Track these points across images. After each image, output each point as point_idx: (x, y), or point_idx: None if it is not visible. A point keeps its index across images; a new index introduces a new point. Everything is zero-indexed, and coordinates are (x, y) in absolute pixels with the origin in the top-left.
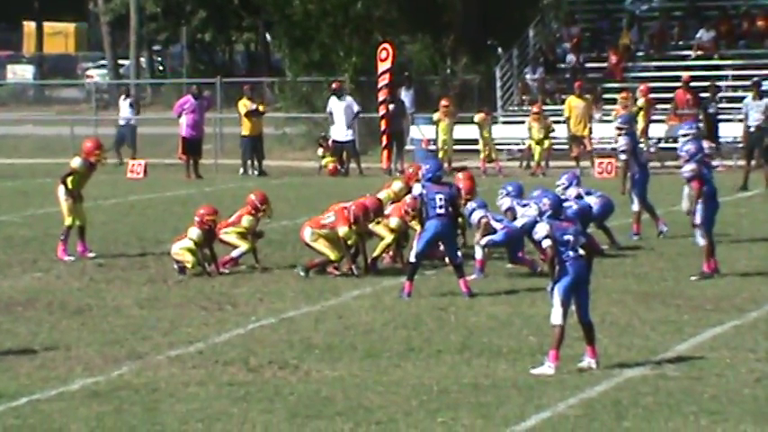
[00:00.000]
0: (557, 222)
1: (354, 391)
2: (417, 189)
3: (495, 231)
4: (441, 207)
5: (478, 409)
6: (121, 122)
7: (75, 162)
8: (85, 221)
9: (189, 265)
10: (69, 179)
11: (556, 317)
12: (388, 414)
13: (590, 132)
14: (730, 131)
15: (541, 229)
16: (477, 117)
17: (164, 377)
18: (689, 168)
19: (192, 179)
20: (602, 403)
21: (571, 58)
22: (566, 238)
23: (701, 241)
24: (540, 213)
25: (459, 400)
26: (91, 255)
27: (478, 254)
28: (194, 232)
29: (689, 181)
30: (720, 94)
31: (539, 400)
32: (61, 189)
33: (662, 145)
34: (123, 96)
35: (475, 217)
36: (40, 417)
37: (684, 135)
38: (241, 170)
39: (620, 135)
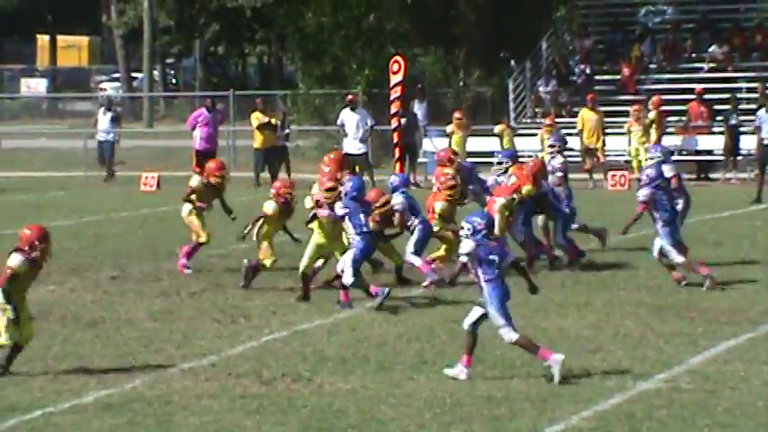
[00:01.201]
0: (485, 242)
1: (367, 403)
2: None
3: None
4: (365, 225)
5: (492, 422)
6: (100, 137)
7: (194, 181)
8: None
9: (267, 263)
10: (193, 197)
11: (509, 335)
12: (402, 427)
13: (603, 145)
14: (744, 144)
15: (466, 246)
16: (498, 128)
17: (177, 390)
18: (643, 193)
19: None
20: (616, 416)
21: (583, 70)
22: (491, 257)
23: (678, 259)
24: (474, 232)
25: (472, 412)
26: (188, 271)
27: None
28: (270, 206)
29: (640, 203)
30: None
31: (552, 412)
32: (186, 208)
33: (675, 157)
34: (103, 109)
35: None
36: (54, 429)
37: (650, 158)
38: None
39: (552, 155)
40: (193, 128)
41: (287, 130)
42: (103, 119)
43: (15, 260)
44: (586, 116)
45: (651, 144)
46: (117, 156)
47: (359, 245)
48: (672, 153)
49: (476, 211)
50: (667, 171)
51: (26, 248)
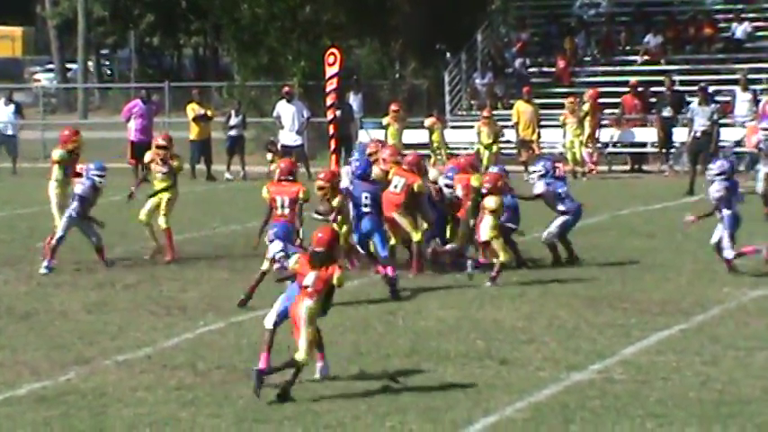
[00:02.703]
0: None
1: (303, 395)
2: (345, 183)
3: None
4: (366, 205)
5: (427, 413)
6: (1, 129)
7: (56, 154)
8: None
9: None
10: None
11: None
12: (337, 418)
13: (538, 137)
14: (677, 137)
15: (539, 187)
16: (428, 121)
17: (111, 382)
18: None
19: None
20: (550, 407)
21: (519, 62)
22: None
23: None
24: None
25: (407, 403)
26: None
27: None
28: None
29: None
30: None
31: (486, 403)
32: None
33: (610, 150)
34: (4, 100)
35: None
36: None
37: (533, 171)
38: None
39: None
40: (128, 119)
41: (238, 119)
42: (5, 110)
43: None
44: (522, 108)
45: (584, 137)
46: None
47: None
48: (555, 169)
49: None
50: (537, 188)
51: None
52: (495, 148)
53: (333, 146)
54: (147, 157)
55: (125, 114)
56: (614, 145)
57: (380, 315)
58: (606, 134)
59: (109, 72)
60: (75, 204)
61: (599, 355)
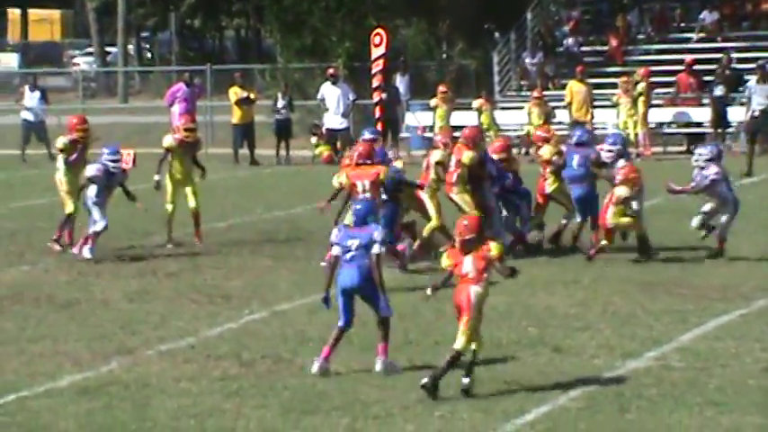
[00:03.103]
0: (348, 229)
1: (350, 385)
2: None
3: None
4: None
5: (477, 403)
6: (28, 116)
7: (60, 142)
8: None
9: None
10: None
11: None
12: (386, 408)
13: (591, 117)
14: (733, 116)
15: (333, 235)
16: (476, 103)
17: (154, 372)
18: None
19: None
20: (605, 395)
21: (570, 41)
22: (348, 243)
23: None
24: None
25: (458, 393)
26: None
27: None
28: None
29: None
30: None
31: (539, 392)
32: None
33: (666, 130)
34: (29, 87)
35: None
36: (28, 414)
37: (700, 155)
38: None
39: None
40: (171, 104)
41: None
42: (32, 96)
43: None
44: (575, 88)
45: (639, 117)
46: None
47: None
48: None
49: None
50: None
51: None
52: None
53: (379, 129)
54: (168, 141)
55: (168, 99)
56: (669, 125)
57: (430, 302)
58: (661, 114)
59: (149, 55)
60: (89, 188)
61: (655, 342)
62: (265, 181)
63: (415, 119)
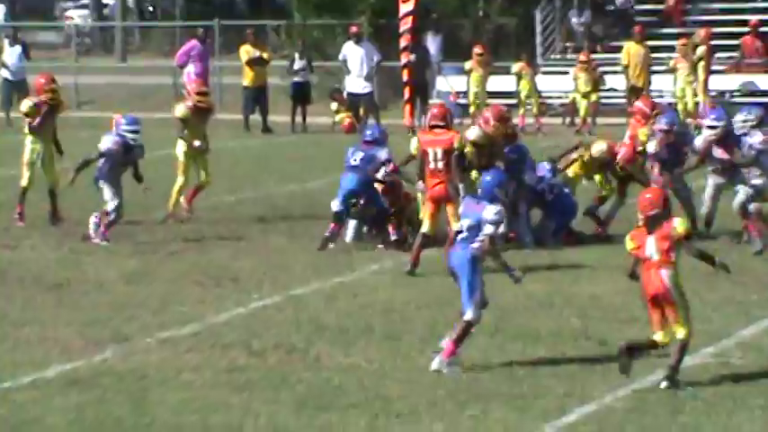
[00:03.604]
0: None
1: (371, 379)
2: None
3: None
4: None
5: (513, 402)
6: (6, 74)
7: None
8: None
9: None
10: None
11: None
12: (410, 406)
13: (648, 84)
14: None
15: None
16: (516, 66)
17: (153, 362)
18: None
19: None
20: (656, 395)
21: None
22: (462, 221)
23: None
24: None
25: (490, 390)
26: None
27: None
28: None
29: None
30: None
31: (582, 391)
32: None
33: (727, 99)
34: (9, 41)
35: None
36: (12, 407)
37: (745, 121)
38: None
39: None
40: (184, 64)
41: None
42: (12, 51)
43: None
44: (633, 50)
45: (699, 84)
46: (84, 94)
47: None
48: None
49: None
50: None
51: None
52: (593, 96)
53: (407, 94)
54: (182, 110)
55: (181, 58)
56: (732, 94)
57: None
58: (723, 81)
59: (150, 9)
60: (100, 164)
61: (714, 337)
62: (279, 151)
63: (447, 83)
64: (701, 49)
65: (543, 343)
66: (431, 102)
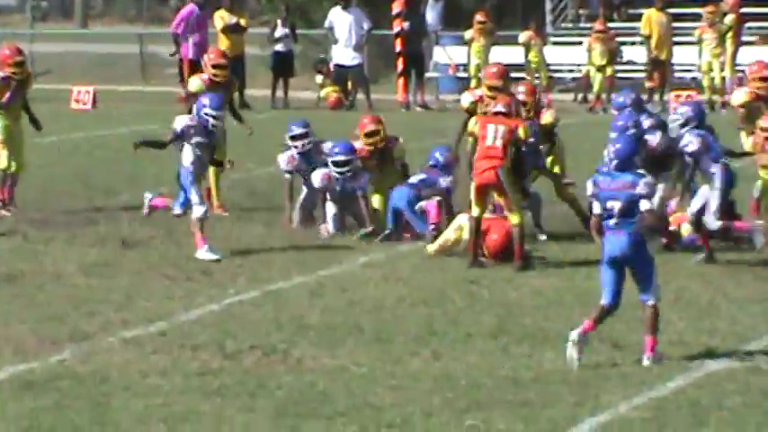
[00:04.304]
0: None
1: (359, 384)
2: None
3: None
4: None
5: (518, 410)
6: None
7: None
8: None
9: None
10: None
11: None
12: (403, 415)
13: (671, 56)
14: None
15: (588, 188)
16: (524, 36)
17: (116, 364)
18: None
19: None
20: (677, 403)
21: None
22: (609, 204)
23: None
24: None
25: (493, 397)
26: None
27: None
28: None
29: None
30: None
31: (595, 399)
32: None
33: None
34: None
35: None
36: None
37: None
38: None
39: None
40: (182, 32)
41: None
42: None
43: None
44: (654, 19)
45: (727, 57)
46: (41, 64)
47: None
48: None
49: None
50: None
51: None
52: (609, 70)
53: (400, 67)
54: (197, 83)
55: (178, 26)
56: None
57: (459, 284)
58: (753, 54)
59: None
60: (183, 153)
61: (741, 339)
62: (258, 128)
63: (445, 55)
64: (729, 18)
65: (552, 345)
66: (427, 75)
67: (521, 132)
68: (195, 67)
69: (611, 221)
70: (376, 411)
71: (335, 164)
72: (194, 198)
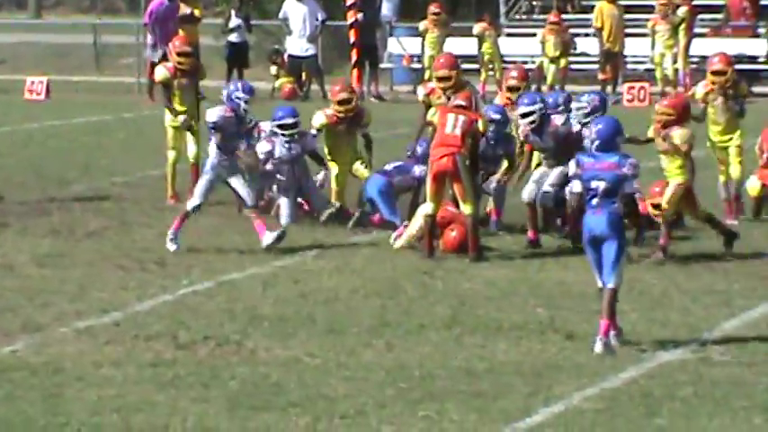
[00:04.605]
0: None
1: (313, 375)
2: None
3: None
4: None
5: (471, 401)
6: None
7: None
8: None
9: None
10: None
11: None
12: (356, 406)
13: (622, 48)
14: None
15: (571, 167)
16: (477, 28)
17: (69, 355)
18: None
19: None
20: (629, 394)
21: None
22: (593, 185)
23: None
24: None
25: (446, 388)
26: None
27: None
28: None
29: None
30: None
31: (548, 390)
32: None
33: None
34: None
35: None
36: None
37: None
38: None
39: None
40: (151, 24)
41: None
42: None
43: None
44: (606, 11)
45: (680, 49)
46: None
47: None
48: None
49: None
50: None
51: None
52: (563, 62)
53: (354, 58)
54: (162, 73)
55: (149, 19)
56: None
57: (413, 275)
58: (705, 46)
59: None
60: (212, 141)
61: (693, 330)
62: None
63: (399, 45)
64: (682, 10)
65: (505, 336)
66: (381, 66)
67: (480, 125)
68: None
69: (594, 201)
70: (329, 402)
71: (282, 126)
72: (243, 191)
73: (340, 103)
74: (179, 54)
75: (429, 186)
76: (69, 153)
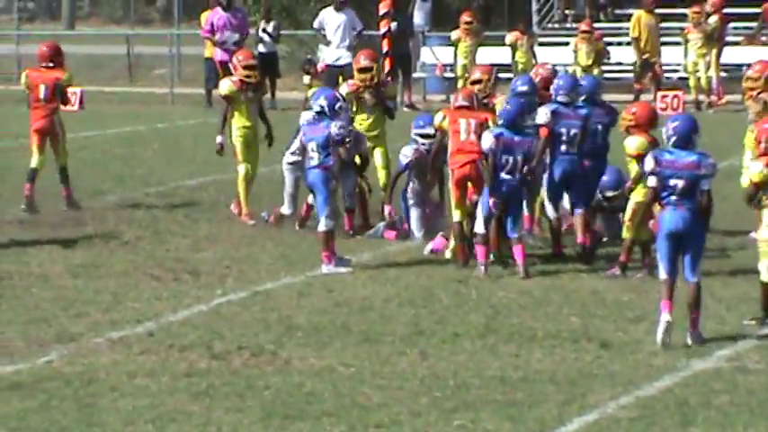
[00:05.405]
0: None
1: (347, 385)
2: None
3: None
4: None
5: (505, 410)
6: None
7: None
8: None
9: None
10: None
11: None
12: (391, 415)
13: (659, 57)
14: None
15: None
16: (510, 37)
17: (104, 365)
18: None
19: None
20: (664, 403)
21: None
22: (672, 182)
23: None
24: None
25: (481, 397)
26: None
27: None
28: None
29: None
30: None
31: (582, 398)
32: None
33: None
34: None
35: None
36: None
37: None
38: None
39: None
40: (211, 35)
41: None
42: None
43: None
44: (644, 20)
45: (712, 57)
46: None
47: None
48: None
49: None
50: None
51: None
52: (596, 70)
53: (387, 67)
54: (228, 86)
55: (208, 31)
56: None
57: (447, 284)
58: (737, 54)
59: None
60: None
61: (728, 338)
62: None
63: (432, 55)
64: (713, 19)
65: (540, 345)
66: (414, 76)
67: (491, 125)
68: (225, 68)
69: (673, 198)
70: (364, 411)
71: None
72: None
73: (360, 71)
74: (245, 67)
75: (453, 194)
76: (103, 164)
